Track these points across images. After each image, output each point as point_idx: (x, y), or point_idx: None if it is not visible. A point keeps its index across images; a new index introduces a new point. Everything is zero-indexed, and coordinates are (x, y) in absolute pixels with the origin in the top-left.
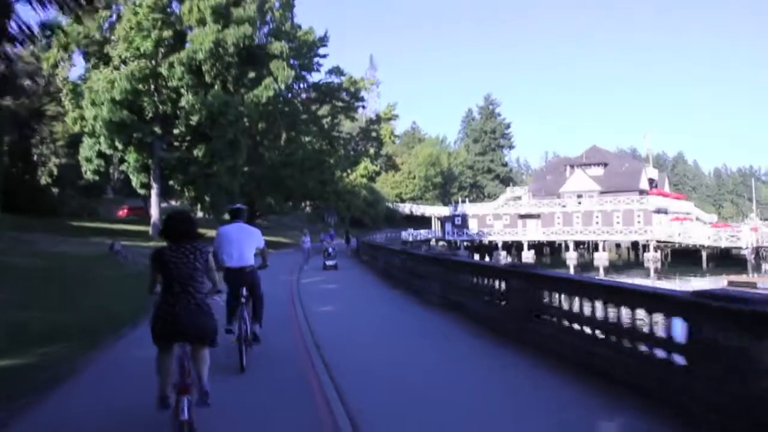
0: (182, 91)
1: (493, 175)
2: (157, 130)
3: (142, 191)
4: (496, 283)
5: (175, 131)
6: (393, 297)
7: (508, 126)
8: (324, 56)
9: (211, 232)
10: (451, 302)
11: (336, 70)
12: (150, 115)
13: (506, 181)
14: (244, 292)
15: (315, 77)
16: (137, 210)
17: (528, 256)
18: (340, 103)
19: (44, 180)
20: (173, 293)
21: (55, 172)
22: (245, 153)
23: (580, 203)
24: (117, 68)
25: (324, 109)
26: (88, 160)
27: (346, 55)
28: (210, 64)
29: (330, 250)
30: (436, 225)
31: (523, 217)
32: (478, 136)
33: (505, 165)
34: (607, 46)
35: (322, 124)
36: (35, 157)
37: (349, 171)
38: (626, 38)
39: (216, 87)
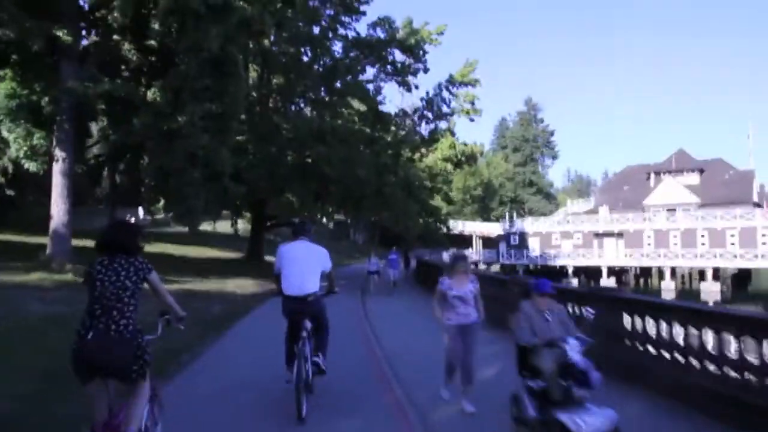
0: None
1: (535, 189)
2: (62, 36)
3: (30, 165)
4: None
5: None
6: None
7: (551, 133)
8: (366, 2)
9: None
10: None
11: (384, 22)
12: None
13: (549, 196)
14: (308, 325)
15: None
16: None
17: (608, 284)
18: (389, 67)
19: None
20: (93, 316)
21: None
22: (245, 92)
23: (674, 220)
24: None
25: (368, 73)
26: None
27: None
28: None
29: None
30: (477, 244)
31: (599, 235)
32: (519, 144)
33: (543, 177)
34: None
35: (365, 90)
36: None
37: (423, 151)
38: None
39: None
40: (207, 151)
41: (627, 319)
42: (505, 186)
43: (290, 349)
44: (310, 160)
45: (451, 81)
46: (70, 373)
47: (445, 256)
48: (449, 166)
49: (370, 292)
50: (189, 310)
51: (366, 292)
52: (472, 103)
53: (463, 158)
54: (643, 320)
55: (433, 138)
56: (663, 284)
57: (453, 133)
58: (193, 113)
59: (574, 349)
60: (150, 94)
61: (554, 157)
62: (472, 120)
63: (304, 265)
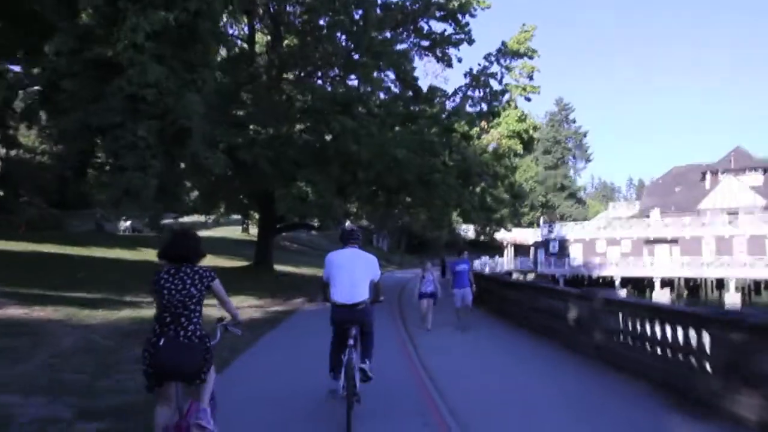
0: None
1: (567, 193)
2: None
3: None
4: None
5: None
6: None
7: (584, 135)
8: None
9: None
10: None
11: None
12: None
13: (581, 201)
14: (354, 332)
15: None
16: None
17: (662, 296)
18: (425, 41)
19: None
20: (163, 323)
21: None
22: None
23: (737, 225)
24: None
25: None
26: None
27: None
28: None
29: None
30: (509, 252)
31: (650, 242)
32: (550, 146)
33: (573, 181)
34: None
35: (398, 62)
36: None
37: (484, 125)
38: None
39: None
40: (160, 94)
41: None
42: (536, 190)
43: (336, 358)
44: (330, 138)
45: (503, 51)
46: None
47: (476, 264)
48: (518, 146)
49: (425, 326)
50: (129, 364)
51: (416, 326)
52: (530, 77)
53: (534, 136)
54: None
55: (493, 111)
56: (727, 297)
57: (516, 105)
58: (137, 28)
59: None
60: (84, 17)
61: (587, 160)
62: (528, 99)
63: (353, 272)
